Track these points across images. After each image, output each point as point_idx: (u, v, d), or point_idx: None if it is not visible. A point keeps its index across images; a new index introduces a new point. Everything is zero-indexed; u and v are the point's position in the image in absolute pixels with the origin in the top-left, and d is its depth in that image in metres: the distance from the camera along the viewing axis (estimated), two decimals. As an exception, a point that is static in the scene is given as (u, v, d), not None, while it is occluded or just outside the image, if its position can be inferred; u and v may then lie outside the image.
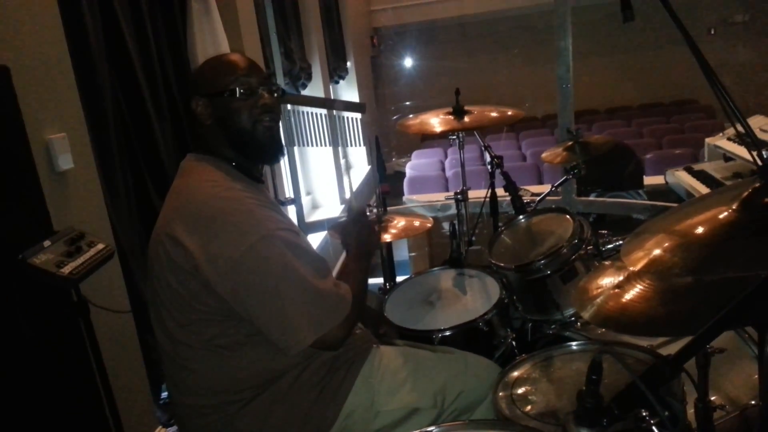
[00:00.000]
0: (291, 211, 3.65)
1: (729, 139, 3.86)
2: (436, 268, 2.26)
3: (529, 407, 1.31)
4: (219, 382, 1.37)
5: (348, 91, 7.65)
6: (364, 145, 4.00)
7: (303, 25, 5.52)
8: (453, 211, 2.65)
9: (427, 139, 9.45)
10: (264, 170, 1.57)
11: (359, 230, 1.61)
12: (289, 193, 4.05)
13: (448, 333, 1.81)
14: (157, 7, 2.69)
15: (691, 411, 1.14)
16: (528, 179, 6.85)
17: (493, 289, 1.98)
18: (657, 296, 0.97)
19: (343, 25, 7.21)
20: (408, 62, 10.14)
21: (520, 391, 1.38)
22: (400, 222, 2.17)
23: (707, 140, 4.23)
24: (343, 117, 4.00)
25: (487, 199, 2.52)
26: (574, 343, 1.51)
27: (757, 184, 0.91)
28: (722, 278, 0.89)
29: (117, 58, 2.35)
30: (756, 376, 1.28)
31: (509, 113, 2.35)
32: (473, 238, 2.60)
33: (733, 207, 0.92)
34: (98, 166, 2.12)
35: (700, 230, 0.93)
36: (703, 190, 3.66)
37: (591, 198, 4.02)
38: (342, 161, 6.11)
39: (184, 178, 1.42)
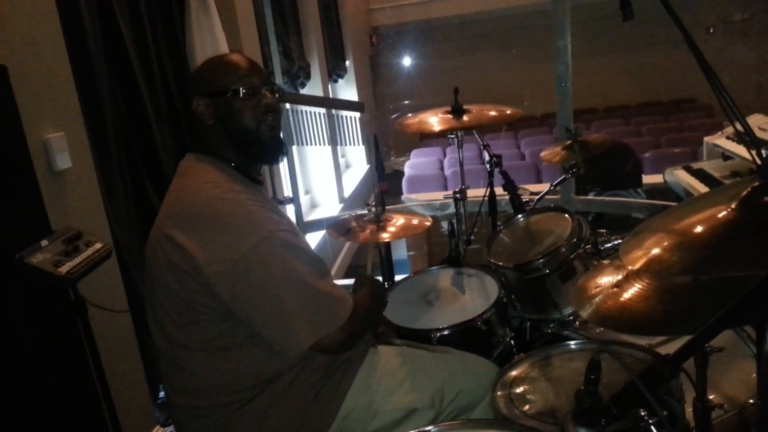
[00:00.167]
0: (289, 210, 3.65)
1: (728, 137, 3.86)
2: (434, 267, 2.25)
3: (527, 406, 1.30)
4: (216, 383, 1.36)
5: (347, 90, 7.66)
6: (363, 144, 4.00)
7: (302, 24, 5.53)
8: (452, 210, 2.65)
9: (425, 138, 9.46)
10: (263, 169, 1.57)
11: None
12: (287, 192, 4.05)
13: (446, 332, 1.81)
14: (156, 5, 2.69)
15: (689, 410, 1.14)
16: (527, 178, 6.85)
17: (492, 289, 1.98)
18: (656, 295, 0.96)
19: (342, 24, 7.21)
20: (407, 61, 10.15)
21: (519, 390, 1.37)
22: (398, 221, 2.16)
23: (706, 139, 4.23)
24: (342, 116, 4.00)
25: (486, 198, 2.51)
26: (572, 342, 1.51)
27: (756, 183, 0.91)
28: (721, 277, 0.89)
29: (115, 56, 2.35)
30: (754, 375, 1.28)
31: (508, 112, 2.35)
32: (472, 237, 2.60)
33: (732, 206, 0.91)
34: (96, 165, 2.12)
35: (698, 229, 0.93)
36: (702, 188, 3.66)
37: (590, 197, 4.02)
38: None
39: (183, 178, 1.42)
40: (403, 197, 6.15)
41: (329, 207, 5.97)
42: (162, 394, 2.31)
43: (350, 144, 3.94)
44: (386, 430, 1.44)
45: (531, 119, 9.75)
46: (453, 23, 9.93)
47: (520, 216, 2.15)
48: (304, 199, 5.49)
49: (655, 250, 0.94)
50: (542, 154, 2.60)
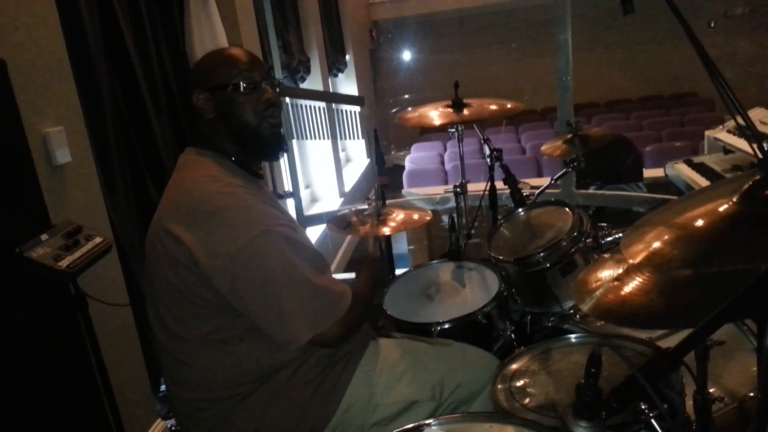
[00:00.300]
0: (290, 205, 3.65)
1: (729, 131, 3.84)
2: (435, 261, 2.25)
3: (527, 400, 1.31)
4: (217, 377, 1.37)
5: (347, 84, 7.64)
6: (363, 138, 3.99)
7: (301, 18, 5.51)
8: (452, 204, 2.65)
9: (426, 132, 9.44)
10: (263, 163, 1.56)
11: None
12: (287, 186, 4.04)
13: (447, 326, 1.81)
14: (155, 0, 2.68)
15: (689, 403, 1.14)
16: (527, 172, 6.84)
17: (492, 282, 1.98)
18: (656, 289, 0.96)
19: (342, 18, 7.19)
20: (407, 55, 10.12)
21: (519, 383, 1.37)
22: (399, 215, 2.16)
23: (707, 133, 4.22)
24: (342, 110, 4.00)
25: (487, 192, 2.51)
26: (572, 335, 1.51)
27: (757, 177, 0.91)
28: (722, 271, 0.89)
29: (114, 51, 2.34)
30: (755, 369, 1.28)
31: (508, 106, 2.34)
32: (472, 231, 2.60)
33: (733, 200, 0.91)
34: (96, 159, 2.11)
35: (699, 223, 0.93)
36: (703, 182, 3.65)
37: (590, 191, 4.01)
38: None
39: (183, 172, 1.41)
40: (403, 191, 6.16)
41: (329, 201, 5.96)
42: (163, 387, 2.32)
43: (350, 138, 3.94)
44: (386, 423, 1.44)
45: (532, 113, 9.73)
46: (453, 17, 9.90)
47: (520, 210, 2.14)
48: (304, 194, 5.49)
49: (656, 244, 0.94)
50: (543, 148, 2.60)
